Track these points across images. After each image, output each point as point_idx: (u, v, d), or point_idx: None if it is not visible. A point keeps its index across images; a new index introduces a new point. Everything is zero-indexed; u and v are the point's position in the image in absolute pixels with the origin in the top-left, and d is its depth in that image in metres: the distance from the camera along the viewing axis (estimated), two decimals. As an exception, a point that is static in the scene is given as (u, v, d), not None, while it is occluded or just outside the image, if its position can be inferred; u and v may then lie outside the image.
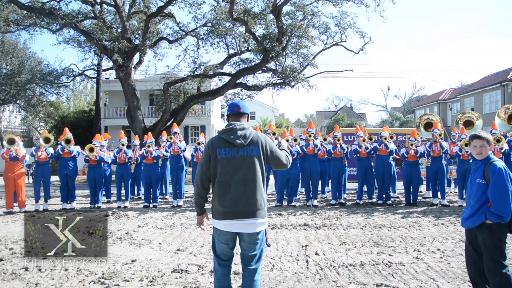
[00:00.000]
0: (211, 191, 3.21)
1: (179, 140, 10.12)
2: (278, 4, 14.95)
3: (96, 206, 9.45)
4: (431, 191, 9.76)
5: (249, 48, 17.86)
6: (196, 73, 17.73)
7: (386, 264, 4.80)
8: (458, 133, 9.75)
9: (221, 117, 37.03)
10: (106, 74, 27.02)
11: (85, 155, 9.37)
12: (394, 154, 9.58)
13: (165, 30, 19.18)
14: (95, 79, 26.54)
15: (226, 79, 18.59)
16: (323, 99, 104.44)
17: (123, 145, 9.78)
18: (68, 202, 9.39)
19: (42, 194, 9.35)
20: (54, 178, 10.25)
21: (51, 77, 21.08)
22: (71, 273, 4.54)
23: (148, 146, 9.54)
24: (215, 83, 20.36)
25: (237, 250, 3.21)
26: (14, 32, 19.58)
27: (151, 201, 9.55)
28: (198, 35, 18.19)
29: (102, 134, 13.83)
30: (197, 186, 3.20)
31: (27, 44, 24.89)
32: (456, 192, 10.63)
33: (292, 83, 17.68)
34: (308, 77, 18.31)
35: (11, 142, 8.92)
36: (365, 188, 9.90)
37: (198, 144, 9.65)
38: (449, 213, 8.16)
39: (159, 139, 10.33)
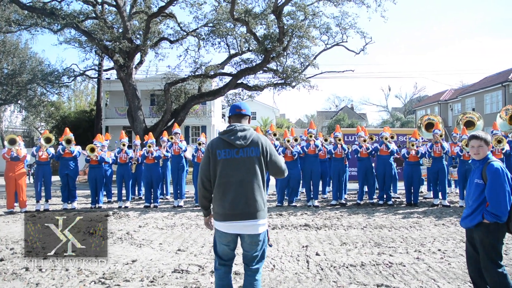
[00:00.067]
0: None
1: (180, 140, 10.14)
2: (279, 4, 14.95)
3: (96, 206, 9.46)
4: (432, 192, 9.75)
5: (250, 48, 17.87)
6: (197, 73, 17.73)
7: (387, 264, 4.80)
8: (459, 134, 9.74)
9: (222, 117, 37.06)
10: (107, 74, 27.08)
11: (86, 155, 9.39)
12: (395, 155, 9.57)
13: (166, 30, 19.21)
14: (96, 79, 26.57)
15: (227, 79, 18.59)
16: (324, 100, 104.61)
17: (124, 145, 9.79)
18: (69, 202, 9.40)
19: (43, 194, 9.37)
20: (55, 178, 10.27)
21: (52, 77, 21.10)
22: (72, 273, 4.54)
23: (149, 146, 9.54)
24: (216, 83, 20.37)
25: (239, 250, 3.21)
26: (15, 32, 19.61)
27: (152, 201, 9.56)
28: (199, 35, 18.21)
29: (103, 134, 13.83)
30: (199, 187, 3.21)
31: (28, 44, 24.98)
32: (456, 193, 10.62)
33: (293, 84, 17.67)
34: (309, 77, 18.30)
35: (12, 142, 8.94)
36: (365, 189, 9.89)
37: (199, 144, 9.66)
38: (450, 213, 8.15)
39: (160, 139, 10.33)
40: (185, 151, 9.92)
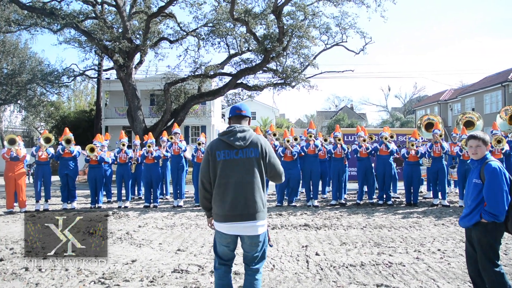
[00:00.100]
0: None
1: (180, 140, 10.13)
2: (279, 4, 14.96)
3: (96, 206, 9.46)
4: (431, 192, 9.76)
5: (250, 48, 17.88)
6: (196, 73, 17.74)
7: (387, 264, 4.80)
8: (459, 134, 9.74)
9: (222, 117, 37.05)
10: (106, 74, 27.10)
11: (86, 155, 9.38)
12: (395, 154, 9.58)
13: (166, 30, 19.24)
14: (95, 79, 26.59)
15: (227, 79, 18.60)
16: (323, 100, 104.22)
17: (123, 145, 9.79)
18: (69, 202, 9.40)
19: (42, 194, 9.36)
20: (55, 178, 10.27)
21: (52, 77, 21.11)
22: (72, 273, 4.54)
23: (149, 146, 9.54)
24: (215, 83, 20.37)
25: (239, 250, 3.21)
26: (15, 32, 19.63)
27: (152, 201, 9.56)
28: (199, 35, 18.21)
29: (103, 134, 13.84)
30: (200, 189, 3.22)
31: (28, 44, 25.01)
32: (456, 193, 10.62)
33: (293, 83, 17.68)
34: (309, 77, 18.32)
35: (12, 142, 8.94)
36: (365, 189, 9.90)
37: (199, 144, 9.66)
38: (450, 213, 8.16)
39: (160, 139, 10.33)
40: (184, 151, 9.92)
